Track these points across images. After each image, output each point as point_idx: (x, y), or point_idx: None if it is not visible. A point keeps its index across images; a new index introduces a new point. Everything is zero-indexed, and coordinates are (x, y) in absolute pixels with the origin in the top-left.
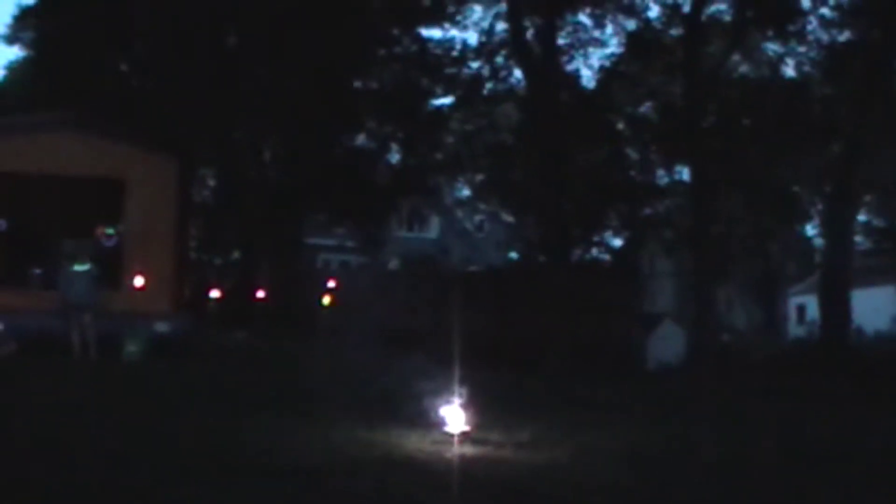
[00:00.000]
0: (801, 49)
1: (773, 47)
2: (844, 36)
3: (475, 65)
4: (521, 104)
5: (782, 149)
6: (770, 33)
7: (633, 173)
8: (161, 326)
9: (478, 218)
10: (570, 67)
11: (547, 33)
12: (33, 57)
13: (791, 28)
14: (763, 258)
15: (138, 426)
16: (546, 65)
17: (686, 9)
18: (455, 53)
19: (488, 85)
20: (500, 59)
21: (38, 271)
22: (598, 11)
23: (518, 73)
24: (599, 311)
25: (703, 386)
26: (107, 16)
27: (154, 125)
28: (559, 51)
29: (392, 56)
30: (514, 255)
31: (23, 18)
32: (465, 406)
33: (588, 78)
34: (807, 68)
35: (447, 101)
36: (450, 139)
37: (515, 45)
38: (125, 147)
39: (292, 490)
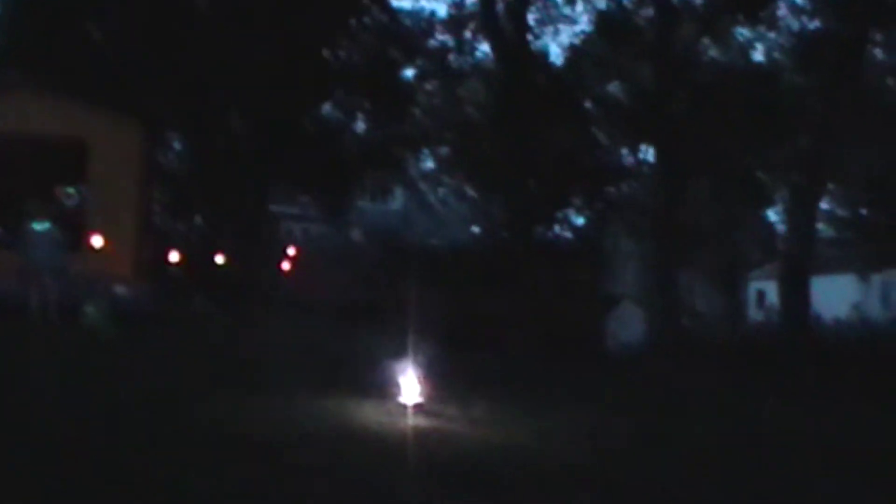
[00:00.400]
0: (772, 35)
1: (743, 32)
2: (815, 24)
3: (444, 37)
4: (489, 79)
5: (750, 136)
6: (740, 17)
7: (599, 153)
8: (120, 290)
9: (442, 192)
10: (539, 44)
11: (518, 8)
12: (0, 16)
13: (761, 14)
14: (727, 243)
15: (92, 393)
16: (516, 41)
17: None
18: (423, 24)
19: (456, 58)
20: (468, 33)
21: None
22: None
23: (486, 48)
24: (561, 290)
25: (663, 369)
26: None
27: (121, 88)
28: (529, 27)
29: (361, 26)
30: (477, 230)
31: None
32: (420, 379)
33: (557, 56)
34: (777, 55)
35: (415, 73)
36: (417, 111)
37: (485, 19)
38: (90, 109)
39: (246, 462)
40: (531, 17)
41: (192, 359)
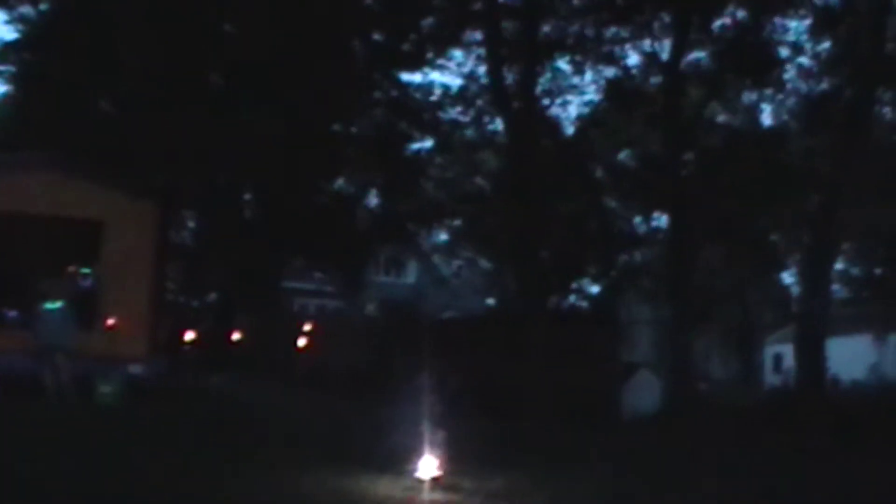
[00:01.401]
0: (780, 96)
1: (751, 96)
2: (822, 86)
3: (454, 110)
4: (500, 151)
5: (761, 198)
6: (748, 82)
7: (611, 221)
8: (135, 369)
9: (455, 264)
10: (549, 114)
11: (527, 80)
12: (13, 93)
13: (768, 77)
14: (741, 307)
15: (106, 469)
16: (525, 111)
17: (665, 57)
18: (434, 98)
19: (468, 131)
20: (479, 105)
21: (13, 311)
22: (577, 58)
23: (497, 120)
24: (577, 359)
25: (680, 435)
26: (90, 54)
27: (135, 166)
28: (539, 97)
29: (372, 101)
30: (491, 301)
31: (3, 53)
32: (437, 452)
33: (567, 125)
34: (785, 117)
35: (427, 146)
36: (429, 184)
37: (495, 92)
38: (105, 189)
39: None
40: (540, 88)
41: (208, 435)
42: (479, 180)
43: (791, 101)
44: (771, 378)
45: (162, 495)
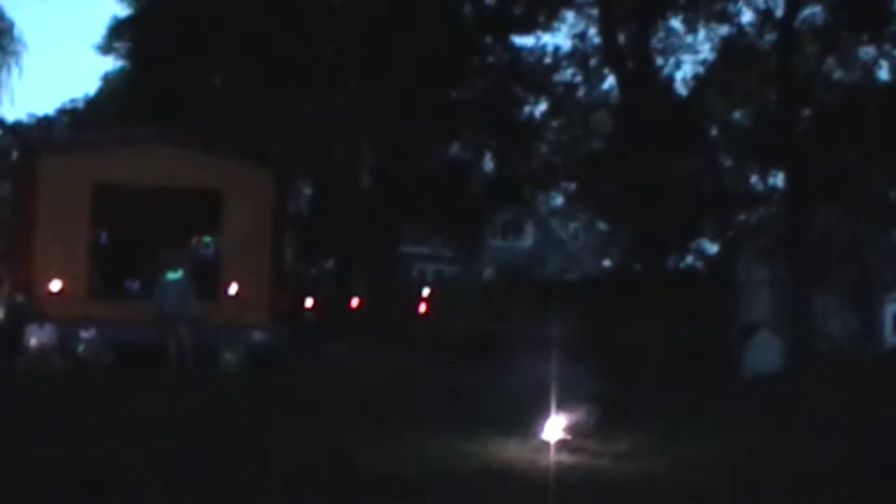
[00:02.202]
0: None
1: (868, 51)
2: None
3: (568, 72)
4: (615, 112)
5: (879, 154)
6: (865, 37)
7: (727, 180)
8: (258, 336)
9: (572, 226)
10: (662, 74)
11: (640, 39)
12: (128, 68)
13: (886, 31)
14: (859, 265)
15: (238, 439)
16: (639, 71)
17: (779, 13)
18: (548, 60)
19: (581, 92)
20: (592, 65)
21: (135, 283)
22: (690, 16)
23: (611, 80)
24: (695, 320)
25: (803, 395)
26: (201, 29)
27: (249, 138)
28: (652, 57)
29: (485, 65)
30: (608, 263)
31: (118, 30)
32: (562, 414)
33: (680, 85)
34: None
35: (541, 109)
36: (543, 148)
37: (608, 52)
38: (222, 159)
39: (392, 501)
40: (653, 47)
41: (332, 402)
42: (594, 142)
43: None
44: (892, 338)
45: (287, 461)
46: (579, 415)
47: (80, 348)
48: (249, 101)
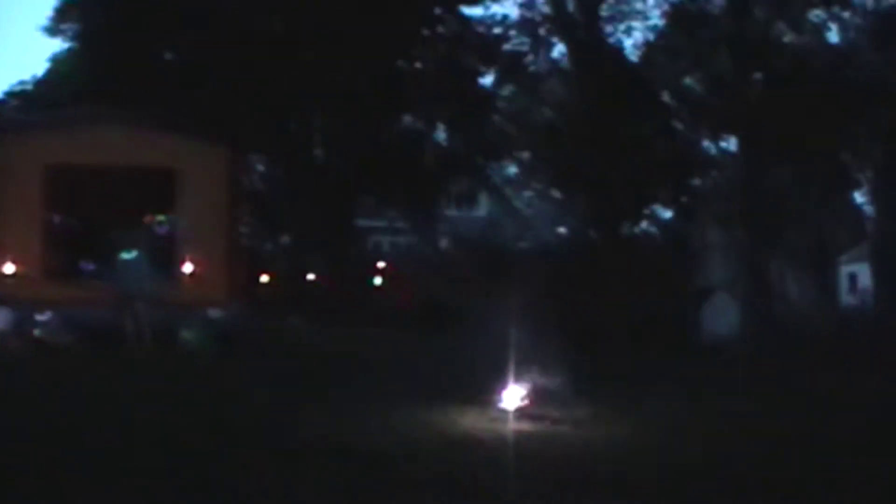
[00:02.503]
0: (847, 14)
1: (818, 13)
2: (890, 2)
3: (518, 41)
4: (566, 80)
5: (831, 117)
6: (814, 0)
7: (680, 146)
8: (215, 314)
9: (527, 195)
10: (613, 41)
11: (589, 6)
12: (77, 49)
13: None
14: (814, 227)
15: (198, 413)
16: (589, 39)
17: None
18: (497, 30)
19: (531, 61)
20: (542, 34)
21: (91, 263)
22: None
23: (561, 48)
24: (651, 285)
25: (760, 357)
26: (151, 5)
27: (202, 114)
28: (602, 24)
29: (435, 36)
30: (564, 231)
31: (65, 11)
32: (519, 382)
33: (631, 51)
34: (852, 34)
35: (492, 79)
36: (496, 118)
37: (558, 18)
38: (175, 137)
39: (354, 473)
40: (603, 14)
41: (291, 375)
42: (545, 111)
43: (858, 18)
44: (846, 298)
45: (250, 435)
46: (538, 382)
47: (37, 331)
48: (200, 77)
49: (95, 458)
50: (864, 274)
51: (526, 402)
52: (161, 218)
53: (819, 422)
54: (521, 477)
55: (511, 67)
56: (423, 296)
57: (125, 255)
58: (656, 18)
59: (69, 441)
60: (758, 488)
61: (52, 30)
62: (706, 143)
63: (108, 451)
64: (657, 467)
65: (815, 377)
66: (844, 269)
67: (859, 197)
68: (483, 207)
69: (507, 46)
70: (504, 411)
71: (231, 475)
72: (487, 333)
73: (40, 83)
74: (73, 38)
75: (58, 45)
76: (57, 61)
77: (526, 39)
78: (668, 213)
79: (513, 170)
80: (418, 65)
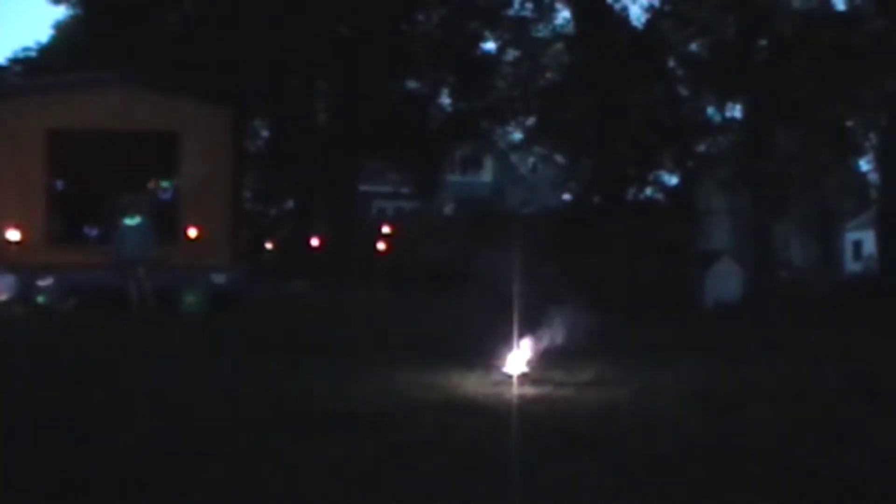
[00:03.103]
0: None
1: None
2: None
3: (522, 5)
4: (571, 45)
5: (836, 83)
6: None
7: (685, 111)
8: (218, 278)
9: (531, 160)
10: (618, 6)
11: None
12: (80, 15)
13: None
14: (819, 194)
15: (198, 377)
16: (594, 3)
17: None
18: None
19: (536, 26)
20: None
21: (94, 228)
22: None
23: (566, 13)
24: (656, 251)
25: (763, 322)
26: None
27: (205, 77)
28: None
29: (440, 0)
30: (568, 196)
31: None
32: (524, 347)
33: (637, 16)
34: (858, 1)
35: (496, 44)
36: (501, 83)
37: None
38: (178, 101)
39: (355, 436)
40: None
41: (294, 338)
42: (550, 75)
43: None
44: (851, 265)
45: (252, 399)
46: (542, 346)
47: (41, 297)
48: (203, 40)
49: (93, 424)
50: (868, 241)
51: (530, 365)
52: (164, 182)
53: (821, 382)
54: (522, 440)
55: (516, 33)
56: (426, 259)
57: (128, 220)
58: None
59: (68, 406)
60: (758, 451)
61: None
62: (711, 109)
63: (105, 417)
64: (659, 430)
65: (816, 340)
66: (849, 237)
67: (864, 164)
68: (488, 173)
69: (511, 11)
70: (507, 375)
71: (230, 440)
72: (491, 297)
73: (44, 50)
74: (76, 5)
75: (62, 12)
76: (60, 27)
77: (530, 4)
78: (673, 179)
79: (517, 135)
80: (422, 27)
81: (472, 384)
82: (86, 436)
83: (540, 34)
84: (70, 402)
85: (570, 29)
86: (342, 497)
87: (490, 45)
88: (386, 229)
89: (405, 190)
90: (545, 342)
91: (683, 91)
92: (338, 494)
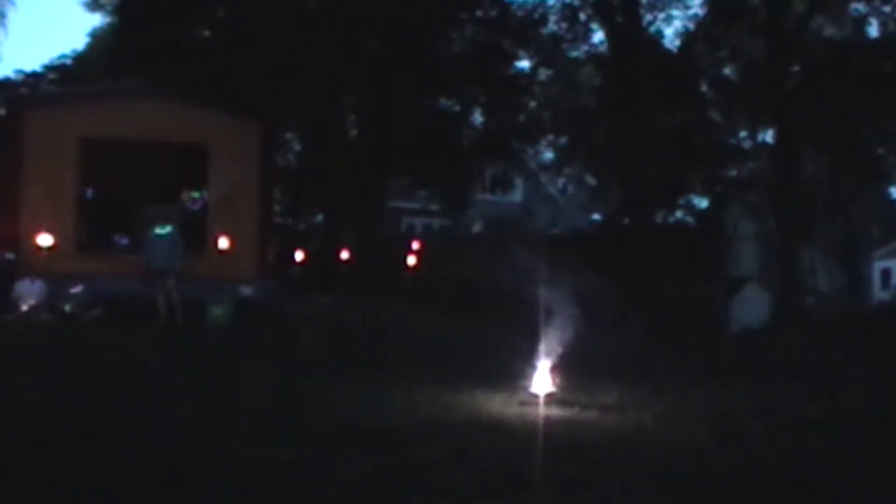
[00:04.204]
0: (887, 7)
1: (857, 6)
2: None
3: (557, 26)
4: (603, 66)
5: (867, 110)
6: None
7: (716, 135)
8: (246, 290)
9: (561, 181)
10: (652, 29)
11: None
12: (115, 24)
13: None
14: (846, 220)
15: (224, 390)
16: (628, 25)
17: None
18: (536, 14)
19: (569, 46)
20: (581, 17)
21: (123, 237)
22: None
23: (599, 35)
24: (683, 274)
25: (789, 349)
26: None
27: (237, 91)
28: (642, 11)
29: (474, 19)
30: (596, 217)
31: None
32: (550, 368)
33: (670, 40)
34: (892, 28)
35: (529, 63)
36: (532, 103)
37: (598, 5)
38: (209, 112)
39: (378, 453)
40: (644, 1)
41: (320, 354)
42: (582, 97)
43: None
44: (880, 294)
45: (275, 413)
46: (568, 367)
47: (69, 305)
48: (235, 53)
49: (108, 432)
50: None
51: (555, 387)
52: (194, 194)
53: (845, 409)
54: (544, 460)
55: (549, 53)
56: (453, 276)
57: (158, 230)
58: (696, 7)
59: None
60: (781, 475)
61: (92, 4)
62: (742, 134)
63: (121, 425)
64: (682, 454)
65: (841, 368)
66: (878, 265)
67: (894, 191)
68: (518, 192)
69: (545, 31)
70: (533, 395)
71: (249, 453)
72: (518, 317)
73: (80, 57)
74: (112, 13)
75: (98, 19)
76: (96, 35)
77: (565, 24)
78: (702, 202)
79: (548, 155)
80: (456, 47)
81: (497, 404)
82: (100, 445)
83: (573, 55)
84: (85, 410)
85: (603, 50)
86: None
87: (523, 64)
88: (415, 245)
89: (434, 207)
90: (571, 363)
91: (715, 115)
92: None
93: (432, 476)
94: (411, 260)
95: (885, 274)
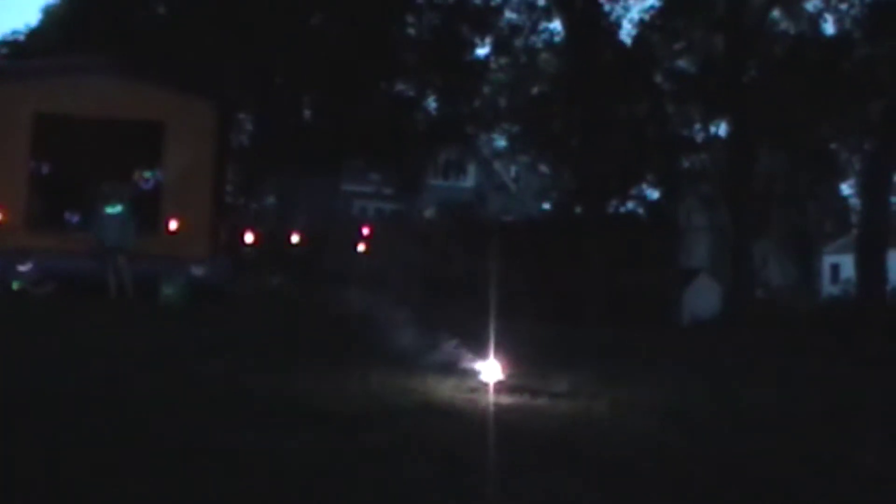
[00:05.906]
0: (843, 4)
1: (814, 3)
2: None
3: (514, 13)
4: (560, 55)
5: (822, 106)
6: None
7: (670, 127)
8: (197, 270)
9: (514, 169)
10: (610, 18)
11: None
12: (70, 1)
13: None
14: (799, 215)
15: (175, 372)
16: (586, 14)
17: None
18: (494, 1)
19: (527, 34)
20: (540, 5)
21: (75, 215)
22: None
23: (557, 24)
24: (635, 264)
25: (739, 340)
26: None
27: (193, 69)
28: (600, 1)
29: (431, 4)
30: (549, 206)
31: None
32: (500, 355)
33: (628, 31)
34: (848, 25)
35: (486, 50)
36: (488, 89)
37: None
38: (164, 90)
39: (329, 436)
40: None
41: (270, 335)
42: (538, 84)
43: (854, 9)
44: (829, 288)
45: (226, 394)
46: (518, 354)
47: (17, 283)
48: (193, 33)
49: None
50: (846, 265)
51: (505, 374)
52: (147, 172)
53: (788, 401)
54: (496, 446)
55: (506, 40)
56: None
57: (109, 209)
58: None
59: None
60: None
61: None
62: (696, 126)
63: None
64: (632, 442)
65: (789, 360)
66: (827, 260)
67: (846, 188)
68: (471, 179)
69: (502, 18)
70: (484, 382)
71: (203, 437)
72: (468, 304)
73: (32, 33)
74: None
75: None
76: (49, 12)
77: (522, 12)
78: (655, 193)
79: (502, 143)
80: (412, 31)
81: (448, 390)
82: (47, 427)
83: (530, 43)
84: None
85: (560, 39)
86: (313, 496)
87: (480, 51)
88: (366, 230)
89: (386, 191)
90: (522, 350)
91: (670, 107)
92: (309, 493)
93: (382, 461)
94: (362, 244)
95: (835, 269)
